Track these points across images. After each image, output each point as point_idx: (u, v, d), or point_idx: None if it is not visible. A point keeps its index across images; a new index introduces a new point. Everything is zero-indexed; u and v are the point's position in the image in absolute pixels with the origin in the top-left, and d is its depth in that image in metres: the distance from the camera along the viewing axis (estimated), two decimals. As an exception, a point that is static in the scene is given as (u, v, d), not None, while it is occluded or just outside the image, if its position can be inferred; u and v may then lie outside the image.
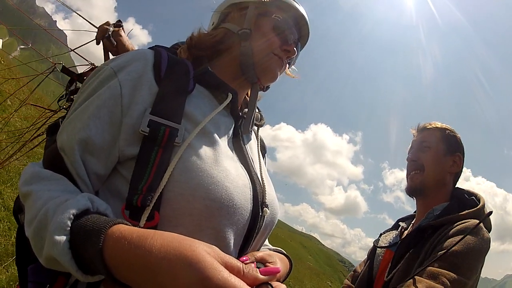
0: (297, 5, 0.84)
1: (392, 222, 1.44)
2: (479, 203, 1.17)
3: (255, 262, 0.67)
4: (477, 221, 1.07)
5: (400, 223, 1.40)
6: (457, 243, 1.00)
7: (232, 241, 0.65)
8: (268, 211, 0.72)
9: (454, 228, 1.07)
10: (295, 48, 0.84)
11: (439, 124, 1.32)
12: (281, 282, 0.65)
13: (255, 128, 0.91)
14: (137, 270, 0.44)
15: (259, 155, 0.84)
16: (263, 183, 0.75)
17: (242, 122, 0.81)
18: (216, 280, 0.41)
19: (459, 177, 1.30)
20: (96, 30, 1.53)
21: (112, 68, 0.65)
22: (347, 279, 1.42)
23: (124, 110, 0.62)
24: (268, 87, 0.91)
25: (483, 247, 1.04)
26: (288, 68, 0.90)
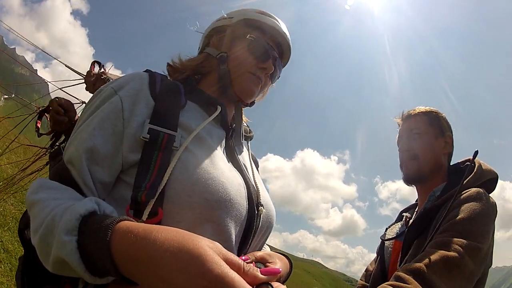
0: (273, 23, 0.87)
1: (392, 235, 1.43)
2: (475, 166, 1.15)
3: (254, 262, 0.69)
4: (478, 189, 1.06)
5: (404, 213, 1.37)
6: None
7: (232, 237, 0.67)
8: (263, 210, 0.74)
9: (457, 200, 1.04)
10: (274, 64, 0.88)
11: (423, 108, 1.31)
12: (281, 283, 0.65)
13: (245, 142, 0.95)
14: (142, 262, 0.45)
15: (251, 163, 0.88)
16: (256, 186, 0.79)
17: (233, 134, 0.86)
18: (216, 274, 0.42)
19: (452, 155, 1.29)
20: (82, 77, 1.71)
21: (113, 88, 0.71)
22: (361, 279, 1.38)
23: (126, 122, 0.66)
24: (253, 103, 0.94)
25: (490, 210, 1.01)
26: (271, 84, 0.94)
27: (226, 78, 0.85)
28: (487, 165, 1.17)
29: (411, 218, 1.30)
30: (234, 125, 0.89)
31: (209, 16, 0.96)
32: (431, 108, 1.31)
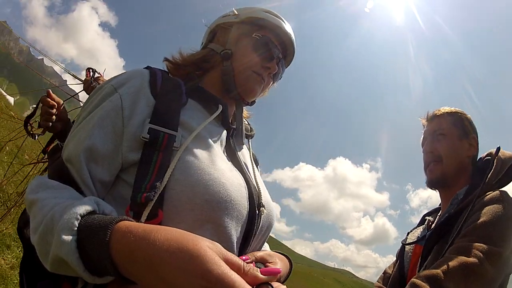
0: (279, 23, 0.87)
1: (423, 242, 1.39)
2: (494, 163, 1.09)
3: (254, 262, 0.68)
4: (500, 191, 1.01)
5: (427, 217, 1.32)
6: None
7: (232, 238, 0.66)
8: (265, 210, 0.74)
9: (479, 203, 1.00)
10: (278, 64, 0.87)
11: (447, 109, 1.27)
12: (281, 283, 0.65)
13: (246, 140, 0.94)
14: (141, 262, 0.45)
15: (252, 162, 0.86)
16: (257, 185, 0.78)
17: (234, 133, 0.85)
18: (216, 274, 0.42)
19: (476, 158, 1.23)
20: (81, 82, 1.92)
21: (113, 85, 0.70)
22: (378, 281, 1.34)
23: (125, 121, 0.66)
24: (254, 102, 0.94)
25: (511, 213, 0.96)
26: (273, 84, 0.93)
27: (229, 76, 0.84)
28: (506, 152, 1.12)
29: (433, 222, 1.26)
30: (235, 123, 0.88)
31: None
32: (456, 109, 1.27)
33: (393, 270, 1.28)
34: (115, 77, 0.73)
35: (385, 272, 1.35)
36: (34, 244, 0.55)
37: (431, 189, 1.26)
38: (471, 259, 0.87)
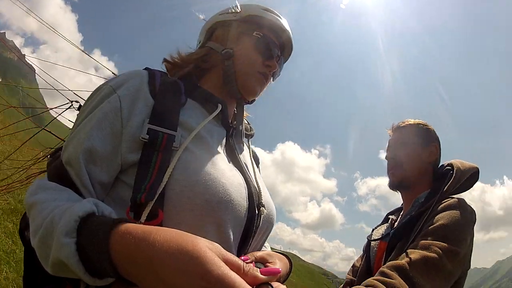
0: (278, 20, 0.87)
1: (370, 230, 1.53)
2: (454, 174, 1.23)
3: (254, 262, 0.69)
4: (458, 199, 1.15)
5: (390, 216, 1.47)
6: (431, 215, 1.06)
7: (232, 238, 0.67)
8: (265, 210, 0.75)
9: (439, 207, 1.13)
10: (277, 63, 0.88)
11: (411, 121, 1.40)
12: (281, 283, 0.65)
13: (246, 140, 0.95)
14: (141, 264, 0.45)
15: (252, 162, 0.87)
16: (257, 185, 0.79)
17: (234, 132, 0.85)
18: (216, 275, 0.42)
19: (438, 163, 1.37)
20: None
21: (111, 86, 0.70)
22: (348, 274, 1.49)
23: (124, 122, 0.66)
24: (253, 100, 0.94)
25: (469, 218, 1.10)
26: (272, 81, 0.94)
27: (231, 75, 0.84)
28: (465, 163, 1.26)
29: (396, 221, 1.41)
30: (235, 123, 0.88)
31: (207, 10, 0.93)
32: (421, 121, 1.41)
33: (360, 264, 1.41)
34: (114, 78, 0.73)
35: (353, 266, 1.49)
36: (34, 247, 0.55)
37: (393, 190, 1.40)
38: (432, 254, 0.98)
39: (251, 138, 0.97)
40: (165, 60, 0.87)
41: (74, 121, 0.75)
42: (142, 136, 0.64)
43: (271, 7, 0.88)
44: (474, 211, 1.14)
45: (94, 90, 0.73)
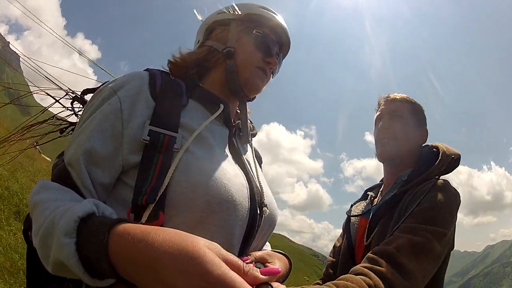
0: (275, 18, 0.89)
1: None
2: (439, 156, 1.22)
3: (253, 262, 0.70)
4: (443, 180, 1.14)
5: (368, 192, 1.45)
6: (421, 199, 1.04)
7: (233, 238, 0.67)
8: (267, 210, 0.75)
9: (423, 188, 1.12)
10: (276, 60, 0.89)
11: (407, 97, 1.36)
12: (281, 283, 0.66)
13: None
14: (139, 264, 0.45)
15: (254, 161, 0.88)
16: (260, 185, 0.79)
17: (237, 132, 0.86)
18: (216, 275, 0.42)
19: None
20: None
21: (112, 88, 0.70)
22: (329, 255, 1.45)
23: (125, 123, 0.66)
24: (254, 97, 0.95)
25: (453, 200, 1.09)
26: (272, 78, 0.95)
27: (234, 74, 0.84)
28: (450, 148, 1.25)
29: (375, 197, 1.39)
30: (239, 122, 0.89)
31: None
32: (414, 100, 1.37)
33: (341, 243, 1.38)
34: (114, 80, 0.74)
35: (334, 246, 1.46)
36: (36, 247, 0.55)
37: (380, 161, 1.36)
38: (420, 238, 0.96)
39: (253, 137, 0.97)
40: (169, 62, 0.87)
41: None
42: (143, 137, 0.64)
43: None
44: (459, 193, 1.14)
45: (95, 92, 0.74)
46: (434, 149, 1.28)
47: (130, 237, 0.46)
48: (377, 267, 0.91)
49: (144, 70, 0.78)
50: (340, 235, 1.46)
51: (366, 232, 1.23)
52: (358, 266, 0.93)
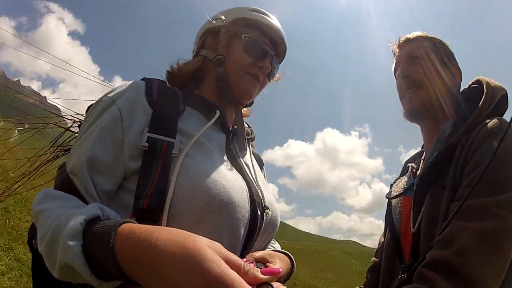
0: (266, 20, 0.86)
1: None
2: (484, 89, 0.91)
3: (254, 262, 0.68)
4: (497, 120, 0.82)
5: (409, 164, 1.13)
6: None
7: (234, 239, 0.68)
8: (270, 213, 0.76)
9: (476, 138, 0.80)
10: (271, 63, 0.87)
11: (422, 33, 1.07)
12: (282, 283, 0.65)
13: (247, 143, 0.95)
14: (144, 263, 0.45)
15: (253, 164, 0.87)
16: (260, 188, 0.79)
17: (234, 137, 0.86)
18: (215, 273, 0.42)
19: (460, 89, 1.04)
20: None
21: (111, 97, 0.72)
22: (374, 256, 1.18)
23: (125, 131, 0.68)
24: (252, 102, 0.94)
25: None
26: (269, 82, 0.93)
27: (225, 81, 0.84)
28: (494, 81, 0.94)
29: (418, 169, 1.08)
30: (236, 127, 0.89)
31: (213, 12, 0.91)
32: (432, 35, 1.07)
33: (385, 238, 1.08)
34: (112, 90, 0.75)
35: (379, 243, 1.17)
36: (42, 253, 0.55)
37: (411, 121, 1.07)
38: (491, 222, 0.68)
39: (252, 141, 0.97)
40: (167, 72, 0.90)
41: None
42: (142, 144, 0.66)
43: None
44: None
45: (94, 103, 0.76)
46: (475, 85, 0.97)
47: (135, 237, 0.47)
48: None
49: (141, 79, 0.79)
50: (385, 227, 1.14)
51: (412, 214, 0.91)
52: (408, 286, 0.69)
